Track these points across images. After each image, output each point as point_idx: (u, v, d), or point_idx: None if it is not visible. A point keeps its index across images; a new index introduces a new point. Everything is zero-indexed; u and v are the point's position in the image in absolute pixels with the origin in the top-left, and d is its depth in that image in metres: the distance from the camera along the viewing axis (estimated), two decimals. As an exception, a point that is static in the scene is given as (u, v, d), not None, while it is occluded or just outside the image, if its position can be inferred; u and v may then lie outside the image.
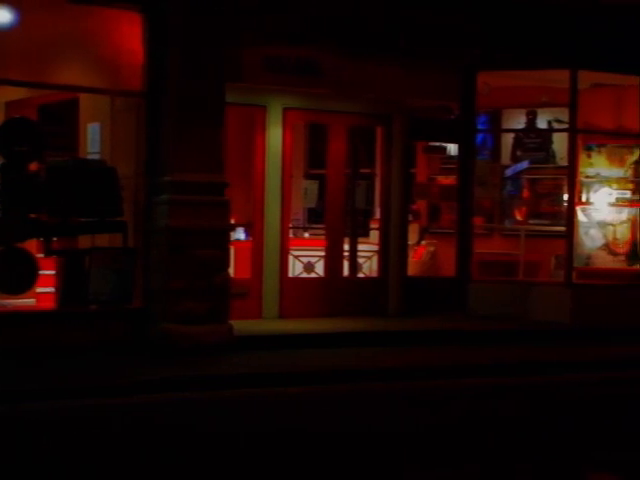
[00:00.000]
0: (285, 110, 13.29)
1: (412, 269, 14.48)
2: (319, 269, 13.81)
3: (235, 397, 9.43)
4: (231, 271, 12.06)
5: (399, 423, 8.55)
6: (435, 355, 11.71)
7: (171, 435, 7.80)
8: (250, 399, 9.40)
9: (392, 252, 14.00)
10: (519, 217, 15.28)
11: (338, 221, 13.88)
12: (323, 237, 13.95)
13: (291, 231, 13.90)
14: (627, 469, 7.35)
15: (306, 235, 14.93)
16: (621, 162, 14.88)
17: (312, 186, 14.11)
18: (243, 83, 12.45)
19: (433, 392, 10.09)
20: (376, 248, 14.15)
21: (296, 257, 13.66)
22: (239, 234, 13.37)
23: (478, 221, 14.84)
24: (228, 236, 11.84)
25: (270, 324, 12.73)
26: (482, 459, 7.45)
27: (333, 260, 13.80)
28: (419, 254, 15.04)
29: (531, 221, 15.19)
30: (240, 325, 11.71)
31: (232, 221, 12.26)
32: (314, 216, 14.92)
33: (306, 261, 13.72)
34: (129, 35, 11.43)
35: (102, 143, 11.76)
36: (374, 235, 14.38)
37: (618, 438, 8.27)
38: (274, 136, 13.24)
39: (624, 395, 10.37)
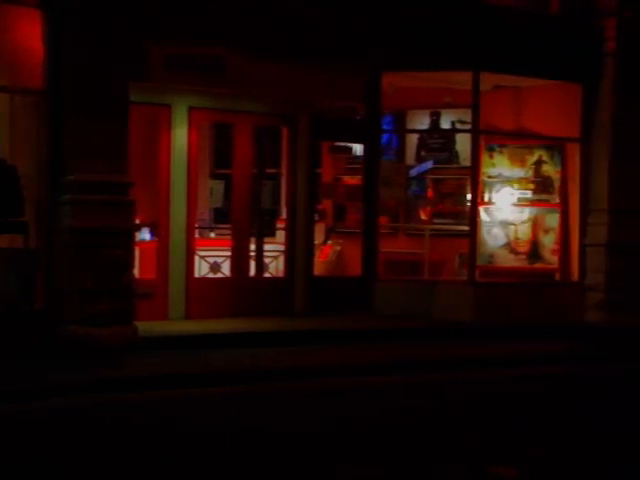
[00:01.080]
0: (190, 109, 13.20)
1: (318, 269, 14.53)
2: (225, 269, 13.75)
3: (137, 400, 9.34)
4: (136, 272, 11.96)
5: (290, 422, 8.56)
6: (339, 354, 11.76)
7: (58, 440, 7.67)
8: (151, 401, 9.30)
9: (298, 252, 14.03)
10: (424, 217, 15.49)
11: (244, 221, 13.84)
12: (229, 237, 13.89)
13: (197, 231, 13.81)
14: (523, 464, 7.50)
15: (212, 235, 14.86)
16: (522, 162, 15.19)
17: (218, 186, 14.06)
18: (148, 82, 12.32)
19: (331, 391, 10.12)
20: (282, 248, 14.16)
21: (202, 257, 13.58)
22: (144, 234, 13.23)
23: (383, 221, 14.99)
24: (133, 236, 11.70)
25: (176, 325, 12.63)
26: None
27: (239, 260, 13.77)
28: (325, 254, 15.12)
29: (435, 220, 15.40)
30: (146, 326, 11.59)
31: (137, 221, 12.12)
32: (220, 216, 14.86)
33: (212, 261, 13.65)
34: (29, 32, 11.20)
35: (1, 141, 11.49)
36: (280, 235, 14.39)
37: (515, 433, 8.46)
38: (179, 136, 13.15)
39: (519, 392, 10.60)
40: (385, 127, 15.06)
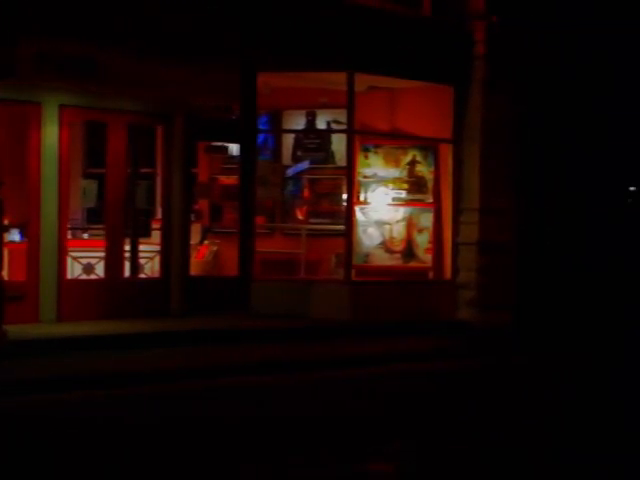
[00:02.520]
0: (61, 108, 12.94)
1: (195, 269, 14.45)
2: (99, 270, 13.54)
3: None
4: (5, 274, 11.67)
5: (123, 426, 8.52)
6: (212, 355, 11.71)
7: None
8: (18, 407, 9.11)
9: (174, 252, 13.91)
10: (300, 216, 15.57)
11: (118, 221, 13.64)
12: (103, 238, 13.67)
13: (69, 232, 13.56)
14: (401, 458, 7.66)
15: (85, 236, 14.60)
16: (397, 163, 15.39)
17: (91, 186, 13.82)
18: (16, 79, 12.02)
19: (190, 393, 10.08)
20: (158, 248, 14.01)
21: (75, 258, 13.33)
22: (14, 235, 12.89)
23: (260, 220, 14.99)
24: (2, 237, 11.41)
25: (47, 328, 12.36)
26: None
27: (113, 261, 13.57)
28: (202, 254, 15.03)
29: (312, 220, 15.50)
30: (16, 330, 11.34)
31: (6, 222, 11.83)
32: (93, 216, 14.61)
33: (85, 262, 13.42)
34: None
35: None
36: (156, 235, 14.23)
37: (387, 430, 8.59)
38: (50, 134, 12.87)
39: (393, 388, 10.78)
40: (261, 127, 15.08)
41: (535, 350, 13.79)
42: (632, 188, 18.17)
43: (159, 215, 14.24)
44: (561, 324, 15.50)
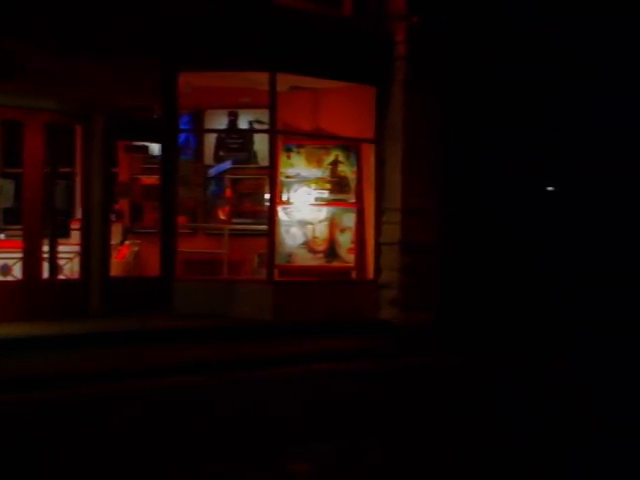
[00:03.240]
0: (-24, 106, 12.72)
1: (116, 269, 14.29)
2: (17, 272, 13.31)
3: None
4: None
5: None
6: (130, 356, 11.58)
7: None
8: None
9: (94, 253, 13.74)
10: (222, 216, 15.50)
11: (36, 222, 13.43)
12: (20, 238, 13.44)
13: (-15, 232, 13.33)
14: (319, 459, 7.67)
15: (2, 236, 14.33)
16: (319, 163, 15.42)
17: (7, 185, 13.57)
18: None
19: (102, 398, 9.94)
20: (77, 249, 13.82)
21: (-9, 260, 13.11)
22: None
23: (182, 220, 14.89)
24: None
25: (-38, 330, 12.12)
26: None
27: (31, 262, 13.34)
28: (122, 254, 14.86)
29: (234, 220, 15.44)
30: None
31: None
32: (11, 217, 14.34)
33: (2, 263, 13.19)
34: None
35: None
36: (75, 235, 14.04)
37: (308, 430, 8.59)
38: (-36, 133, 12.63)
39: (312, 389, 10.79)
40: (183, 127, 14.97)
41: (456, 350, 13.90)
42: (550, 188, 18.46)
43: (79, 215, 14.05)
44: (483, 324, 15.67)
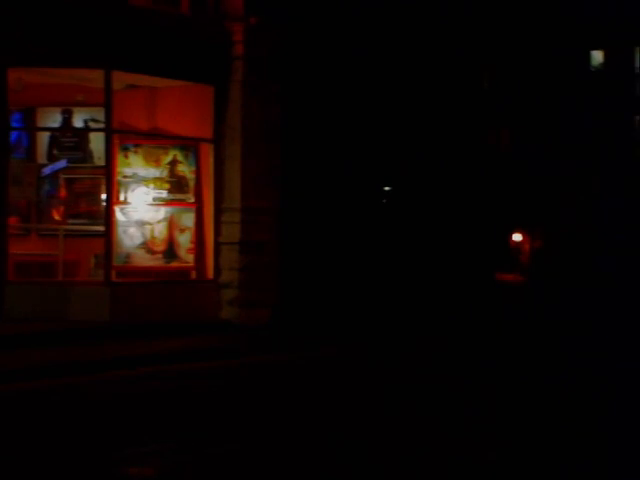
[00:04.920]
0: None
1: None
2: None
3: None
4: None
5: None
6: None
7: None
8: None
9: None
10: (57, 217, 15.09)
11: None
12: None
13: None
14: (158, 459, 7.57)
15: None
16: (157, 162, 15.23)
17: None
18: None
19: None
20: None
21: None
22: None
23: (13, 221, 14.42)
24: None
25: None
26: None
27: None
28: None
29: (70, 221, 15.05)
30: None
31: None
32: None
33: None
34: None
35: None
36: None
37: (147, 432, 8.47)
38: None
39: (147, 390, 10.65)
40: (14, 124, 14.53)
41: (292, 347, 13.98)
42: (387, 188, 18.88)
43: None
44: (319, 318, 15.86)
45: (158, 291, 14.75)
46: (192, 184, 15.41)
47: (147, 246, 15.05)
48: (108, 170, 14.43)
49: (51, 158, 15.14)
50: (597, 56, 26.82)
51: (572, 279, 20.52)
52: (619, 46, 26.26)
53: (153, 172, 15.17)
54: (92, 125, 15.01)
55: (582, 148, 27.38)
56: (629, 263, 23.17)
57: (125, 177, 14.92)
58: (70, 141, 15.27)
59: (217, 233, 15.44)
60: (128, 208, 14.86)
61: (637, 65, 26.73)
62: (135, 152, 15.07)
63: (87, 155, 15.24)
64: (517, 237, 20.65)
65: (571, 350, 13.96)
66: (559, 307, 18.09)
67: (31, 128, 15.22)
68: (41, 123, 15.34)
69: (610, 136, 27.25)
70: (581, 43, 25.89)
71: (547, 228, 23.06)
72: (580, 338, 15.19)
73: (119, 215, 14.72)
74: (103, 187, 14.58)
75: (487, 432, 8.54)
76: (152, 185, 15.13)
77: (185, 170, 15.38)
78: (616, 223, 26.85)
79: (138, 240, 14.96)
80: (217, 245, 15.43)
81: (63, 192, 15.11)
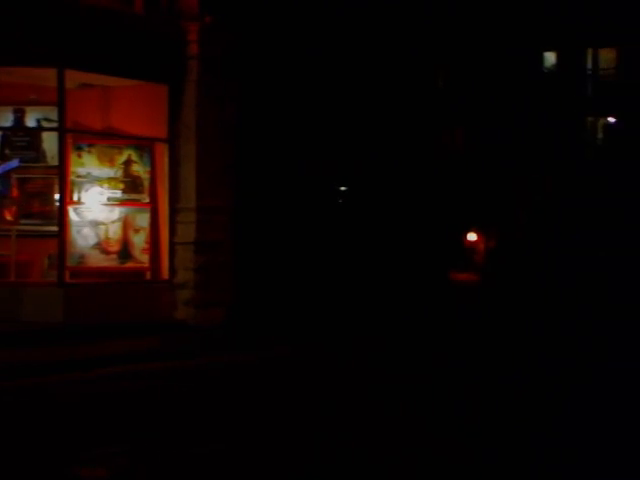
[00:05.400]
0: None
1: None
2: None
3: None
4: None
5: None
6: None
7: None
8: None
9: None
10: (9, 217, 14.89)
11: None
12: None
13: None
14: (112, 462, 7.53)
15: None
16: (112, 162, 15.13)
17: None
18: None
19: None
20: None
21: None
22: None
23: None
24: None
25: None
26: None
27: None
28: None
29: (22, 221, 14.86)
30: None
31: None
32: None
33: None
34: None
35: None
36: None
37: (101, 434, 8.41)
38: None
39: (102, 392, 10.58)
40: (-36, 124, 14.36)
41: (246, 347, 13.95)
42: (343, 188, 18.92)
43: None
44: (276, 319, 15.86)
45: (112, 292, 14.65)
46: (147, 184, 15.33)
47: (101, 246, 14.95)
48: (61, 170, 14.31)
49: (3, 158, 14.92)
50: (550, 57, 27.15)
51: (526, 278, 20.72)
52: (571, 47, 26.62)
53: (107, 172, 15.07)
54: (45, 124, 14.85)
55: (536, 148, 27.65)
56: (583, 262, 23.45)
57: (79, 177, 14.81)
58: (22, 140, 15.08)
59: (172, 233, 15.36)
60: (82, 208, 14.75)
61: (589, 66, 27.08)
62: (89, 152, 14.97)
63: (40, 155, 15.06)
64: (472, 237, 20.85)
65: (523, 349, 14.11)
66: (512, 306, 18.27)
67: (-20, 128, 15.04)
68: (-8, 122, 15.18)
69: (563, 136, 27.58)
70: (534, 44, 26.19)
71: (501, 228, 23.28)
72: (532, 337, 15.36)
73: (73, 215, 14.60)
74: (56, 187, 14.45)
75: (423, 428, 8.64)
76: (106, 185, 15.04)
77: (140, 170, 15.30)
78: (570, 223, 27.17)
79: (92, 240, 14.85)
80: (172, 245, 15.36)
81: (15, 192, 14.91)
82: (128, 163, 15.25)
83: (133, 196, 15.25)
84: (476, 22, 25.06)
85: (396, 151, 20.54)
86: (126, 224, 15.14)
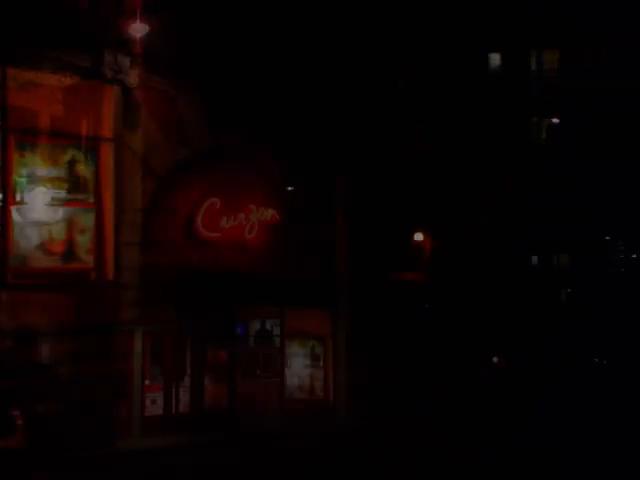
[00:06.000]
0: None
1: None
2: None
3: None
4: None
5: None
6: None
7: None
8: None
9: None
10: (-50, 218, 14.71)
11: None
12: None
13: None
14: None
15: None
16: (56, 162, 14.94)
17: None
18: None
19: None
20: None
21: None
22: None
23: None
24: None
25: None
26: None
27: None
28: None
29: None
30: None
31: None
32: None
33: None
34: None
35: None
36: None
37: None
38: None
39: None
40: None
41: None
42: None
43: None
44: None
45: (57, 293, 14.49)
46: (91, 184, 15.16)
47: (45, 247, 14.77)
48: (4, 169, 14.14)
49: (-57, 158, 14.76)
50: (495, 58, 27.25)
51: (475, 278, 20.68)
52: (515, 48, 26.84)
53: (51, 172, 14.88)
54: (-13, 123, 14.66)
55: (494, 148, 27.69)
56: (543, 262, 23.49)
57: (22, 177, 14.61)
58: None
59: (118, 233, 15.22)
60: (25, 208, 14.56)
61: (533, 67, 27.19)
62: (33, 151, 14.77)
63: (-18, 155, 14.87)
64: (418, 237, 20.87)
65: (466, 346, 14.13)
66: (456, 306, 18.28)
67: None
68: None
69: (513, 137, 27.72)
70: (480, 44, 26.37)
71: (451, 227, 23.27)
72: (475, 335, 15.37)
73: (15, 215, 14.42)
74: (-1, 187, 14.29)
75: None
76: (50, 185, 14.84)
77: (84, 170, 15.14)
78: (530, 222, 27.21)
79: (36, 241, 14.67)
80: (117, 246, 15.22)
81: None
82: (73, 163, 15.07)
83: (78, 196, 15.08)
84: (432, 21, 25.08)
85: (354, 150, 20.48)
86: (70, 224, 14.97)
